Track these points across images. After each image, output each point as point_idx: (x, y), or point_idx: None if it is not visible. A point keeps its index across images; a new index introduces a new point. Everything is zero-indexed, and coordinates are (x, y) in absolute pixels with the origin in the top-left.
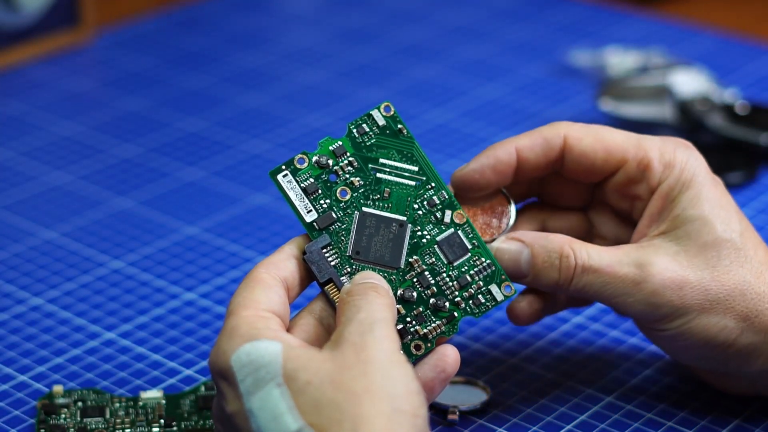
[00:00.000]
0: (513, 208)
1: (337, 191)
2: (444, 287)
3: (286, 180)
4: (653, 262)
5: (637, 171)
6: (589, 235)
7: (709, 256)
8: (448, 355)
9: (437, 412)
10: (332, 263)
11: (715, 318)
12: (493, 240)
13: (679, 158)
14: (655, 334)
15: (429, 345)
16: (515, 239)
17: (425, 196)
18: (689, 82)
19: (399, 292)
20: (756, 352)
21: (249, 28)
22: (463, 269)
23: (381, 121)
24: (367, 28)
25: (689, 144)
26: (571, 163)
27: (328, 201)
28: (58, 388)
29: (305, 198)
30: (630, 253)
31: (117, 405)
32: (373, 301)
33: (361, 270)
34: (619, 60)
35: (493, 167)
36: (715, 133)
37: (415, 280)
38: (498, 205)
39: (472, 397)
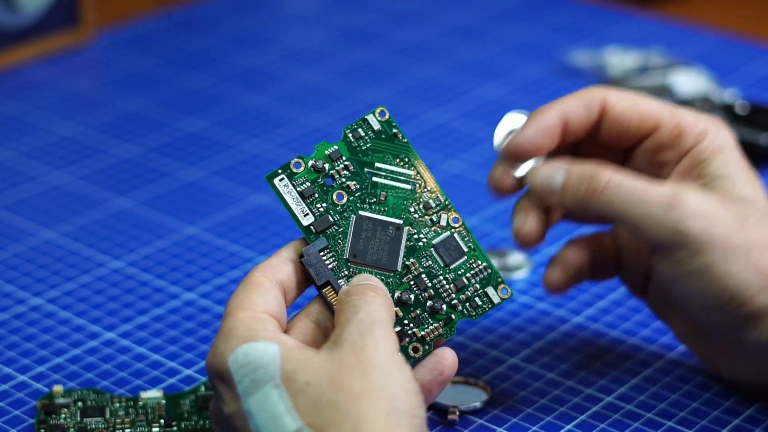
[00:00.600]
0: None
1: (334, 195)
2: (441, 290)
3: (282, 184)
4: (689, 194)
5: (671, 137)
6: None
7: (738, 209)
8: (446, 358)
9: (437, 412)
10: (329, 266)
11: (737, 266)
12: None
13: (711, 129)
14: (674, 272)
15: (427, 347)
16: (550, 163)
17: (421, 200)
18: (689, 82)
19: (396, 294)
20: (766, 318)
21: (249, 28)
22: (459, 272)
23: (376, 126)
24: (367, 28)
25: (721, 121)
26: (607, 126)
27: (324, 204)
28: (58, 388)
29: (302, 202)
30: (665, 183)
31: (117, 405)
32: (371, 301)
33: (359, 273)
34: (619, 60)
35: (544, 131)
36: None
37: (412, 282)
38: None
39: (472, 397)
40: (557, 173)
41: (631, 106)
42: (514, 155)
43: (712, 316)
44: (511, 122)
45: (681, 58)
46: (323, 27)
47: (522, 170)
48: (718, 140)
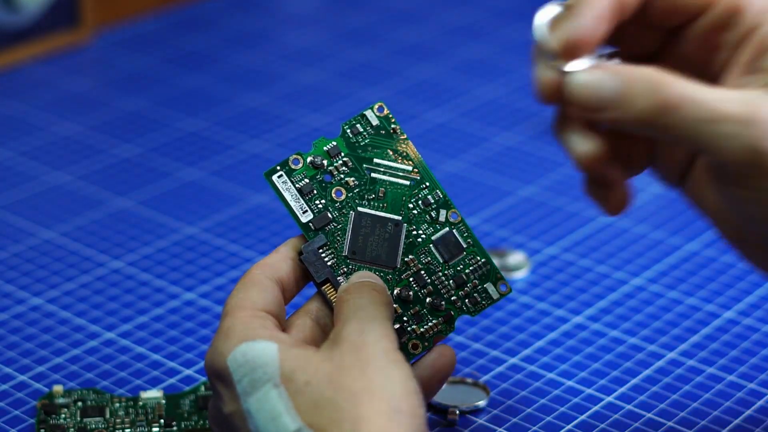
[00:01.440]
0: None
1: (332, 191)
2: (440, 286)
3: (281, 181)
4: (764, 105)
5: (725, 15)
6: None
7: None
8: (446, 355)
9: (437, 412)
10: (329, 263)
11: None
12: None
13: None
14: (744, 194)
15: (426, 344)
16: (599, 68)
17: (420, 196)
18: None
19: (396, 291)
20: None
21: (249, 28)
22: (458, 268)
23: (375, 121)
24: (367, 28)
25: None
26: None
27: (323, 201)
28: (58, 388)
29: (300, 198)
30: (736, 92)
31: (117, 405)
32: (371, 299)
33: (358, 270)
34: None
35: (602, 17)
36: None
37: (411, 279)
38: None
39: (472, 397)
40: (610, 79)
41: None
42: (571, 50)
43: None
44: (553, 12)
45: None
46: (323, 27)
47: (575, 66)
48: None
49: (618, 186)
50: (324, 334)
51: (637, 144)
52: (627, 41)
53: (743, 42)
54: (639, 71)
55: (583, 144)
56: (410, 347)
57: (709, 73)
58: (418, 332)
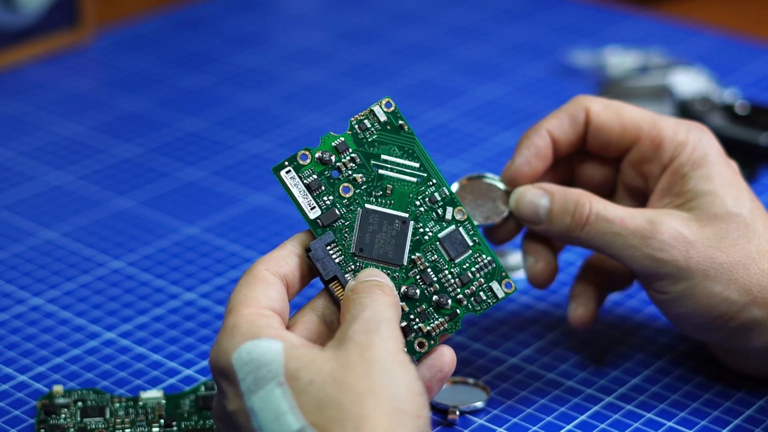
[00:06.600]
0: (502, 185)
1: (340, 188)
2: (446, 284)
3: (289, 176)
4: (664, 222)
5: (650, 149)
6: None
7: (718, 227)
8: (445, 355)
9: (437, 412)
10: (336, 260)
11: (718, 287)
12: (494, 223)
13: (691, 138)
14: (660, 296)
15: (432, 342)
16: (538, 187)
17: (426, 193)
18: (689, 82)
19: (402, 289)
20: (760, 327)
21: (249, 28)
22: (464, 266)
23: (382, 117)
24: (367, 28)
25: (704, 127)
26: (591, 136)
27: (331, 197)
28: (58, 388)
29: (308, 194)
30: (644, 212)
31: (117, 405)
32: (378, 299)
33: (365, 267)
34: (619, 60)
35: (536, 155)
36: (715, 133)
37: (417, 277)
38: (492, 191)
39: (472, 397)
40: (542, 199)
41: (613, 117)
42: (514, 182)
43: (704, 333)
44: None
45: (681, 58)
46: (323, 27)
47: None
48: (698, 151)
49: (584, 302)
50: (330, 331)
51: (621, 271)
52: (585, 184)
53: (664, 171)
54: (565, 191)
55: (534, 262)
56: (416, 345)
57: (645, 200)
58: (424, 331)
